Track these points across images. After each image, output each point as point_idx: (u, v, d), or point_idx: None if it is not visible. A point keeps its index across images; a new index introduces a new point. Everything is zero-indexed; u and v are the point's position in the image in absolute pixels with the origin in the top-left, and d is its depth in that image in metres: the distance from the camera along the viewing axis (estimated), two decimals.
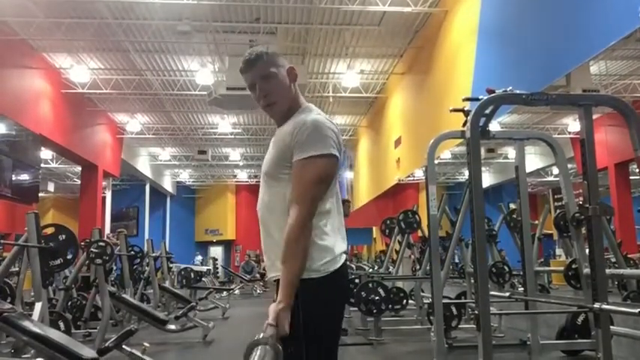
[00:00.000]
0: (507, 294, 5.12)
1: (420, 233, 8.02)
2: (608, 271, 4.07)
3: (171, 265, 10.81)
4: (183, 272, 10.74)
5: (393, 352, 5.54)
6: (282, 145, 1.66)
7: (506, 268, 6.25)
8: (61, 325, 5.30)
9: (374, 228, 17.81)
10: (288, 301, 1.50)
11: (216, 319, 7.94)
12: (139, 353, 3.76)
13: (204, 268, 15.31)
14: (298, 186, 1.60)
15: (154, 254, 8.68)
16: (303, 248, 1.55)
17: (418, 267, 7.98)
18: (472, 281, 5.97)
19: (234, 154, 18.23)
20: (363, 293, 5.94)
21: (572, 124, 12.50)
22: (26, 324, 3.47)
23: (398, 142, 11.91)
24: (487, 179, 17.97)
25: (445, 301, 4.86)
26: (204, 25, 9.01)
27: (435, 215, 4.45)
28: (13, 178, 9.57)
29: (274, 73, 1.71)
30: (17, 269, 5.64)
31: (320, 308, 1.59)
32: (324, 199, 1.64)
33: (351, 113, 14.95)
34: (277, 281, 1.65)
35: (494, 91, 3.01)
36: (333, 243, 1.66)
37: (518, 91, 3.00)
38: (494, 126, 5.12)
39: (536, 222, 7.63)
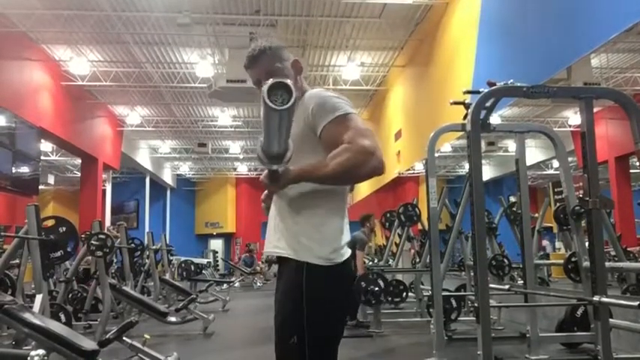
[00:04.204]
0: (507, 287, 5.13)
1: (420, 226, 8.03)
2: (607, 264, 4.09)
3: (171, 258, 10.83)
4: (183, 265, 10.77)
5: (393, 344, 5.56)
6: (298, 127, 1.57)
7: (505, 260, 6.26)
8: (62, 317, 5.33)
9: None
10: (295, 176, 1.48)
11: (217, 311, 7.96)
12: (139, 345, 3.78)
13: (204, 261, 15.35)
14: (346, 133, 1.51)
15: (154, 247, 8.69)
16: (348, 166, 1.46)
17: (418, 260, 7.99)
18: (472, 274, 5.98)
19: (234, 147, 18.21)
20: (362, 284, 5.97)
21: (573, 117, 12.48)
22: (27, 316, 3.48)
23: (398, 135, 11.91)
24: (487, 172, 17.97)
25: (445, 293, 4.88)
26: (204, 18, 8.97)
27: (435, 208, 4.46)
28: (13, 171, 9.56)
29: (279, 68, 1.70)
30: (18, 261, 5.64)
31: (325, 296, 1.57)
32: None
33: None
34: (281, 259, 1.64)
35: (495, 84, 3.01)
36: (343, 232, 1.65)
37: (519, 84, 3.00)
38: (494, 119, 5.10)
39: (536, 215, 7.65)
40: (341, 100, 1.60)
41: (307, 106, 1.61)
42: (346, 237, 1.66)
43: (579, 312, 4.56)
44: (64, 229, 4.90)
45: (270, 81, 1.29)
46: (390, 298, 6.43)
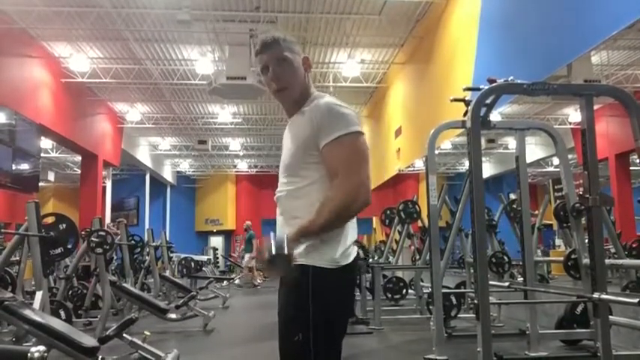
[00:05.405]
0: (507, 284, 5.13)
1: (419, 223, 8.04)
2: (607, 261, 4.09)
3: (171, 255, 10.84)
4: (183, 262, 10.77)
5: (393, 341, 5.56)
6: (302, 135, 1.64)
7: (505, 258, 6.26)
8: (62, 313, 5.35)
9: (374, 218, 17.82)
10: (297, 238, 1.53)
11: (217, 308, 7.97)
12: (139, 342, 3.78)
13: (204, 258, 15.34)
14: (340, 163, 1.57)
15: (154, 244, 8.70)
16: (341, 209, 1.54)
17: (418, 257, 8.00)
18: (472, 271, 5.99)
19: (235, 144, 18.19)
20: None
21: (573, 115, 12.48)
22: (27, 312, 3.48)
23: (398, 132, 11.89)
24: (487, 169, 17.97)
25: (445, 290, 4.88)
26: (204, 14, 8.95)
27: (435, 205, 4.46)
28: (14, 168, 9.56)
29: (289, 58, 1.70)
30: (18, 258, 5.65)
31: (330, 299, 1.59)
32: None
33: (351, 103, 14.88)
34: None
35: (495, 81, 3.01)
36: (349, 233, 1.66)
37: (519, 81, 2.99)
38: (494, 116, 5.10)
39: (536, 212, 7.65)
40: (346, 118, 1.61)
41: (313, 116, 1.62)
42: (352, 237, 1.68)
43: (579, 309, 4.56)
44: (64, 226, 4.91)
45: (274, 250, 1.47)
46: (390, 295, 6.45)
